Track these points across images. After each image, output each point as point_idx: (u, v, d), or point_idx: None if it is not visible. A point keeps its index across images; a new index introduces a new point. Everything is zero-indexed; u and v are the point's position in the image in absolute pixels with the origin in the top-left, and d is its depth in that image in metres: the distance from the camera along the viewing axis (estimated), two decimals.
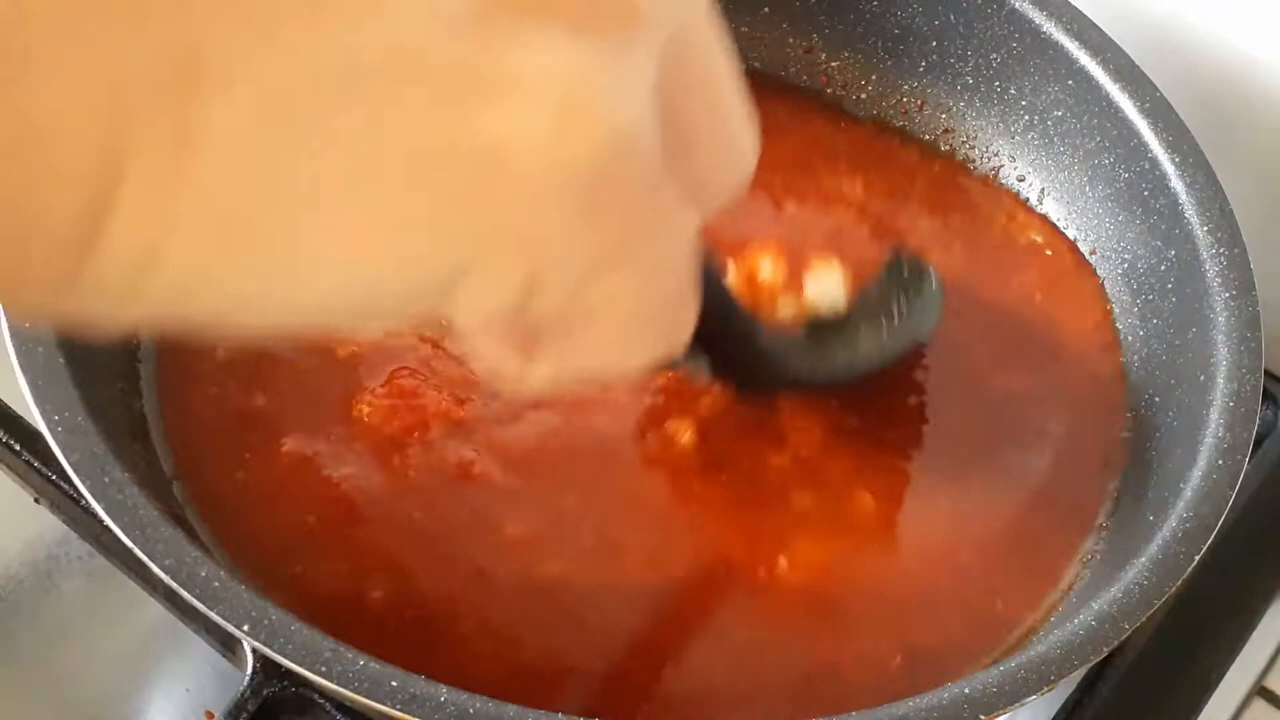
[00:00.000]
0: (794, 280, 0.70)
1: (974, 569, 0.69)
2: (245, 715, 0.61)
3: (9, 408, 0.69)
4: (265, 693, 0.62)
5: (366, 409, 0.68)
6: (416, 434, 0.67)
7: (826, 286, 0.69)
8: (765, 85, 0.86)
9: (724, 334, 0.60)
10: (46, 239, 0.30)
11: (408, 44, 0.31)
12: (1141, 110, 0.77)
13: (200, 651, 0.69)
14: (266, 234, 0.32)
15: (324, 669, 0.51)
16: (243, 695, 0.62)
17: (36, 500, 0.71)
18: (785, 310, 0.69)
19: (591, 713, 0.54)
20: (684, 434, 0.70)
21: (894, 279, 0.69)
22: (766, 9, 0.88)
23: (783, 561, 0.67)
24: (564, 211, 0.35)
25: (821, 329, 0.68)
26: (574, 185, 0.34)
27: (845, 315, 0.69)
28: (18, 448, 0.69)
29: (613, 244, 0.37)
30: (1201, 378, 0.69)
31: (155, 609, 0.68)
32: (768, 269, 0.71)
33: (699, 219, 0.40)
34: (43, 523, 0.71)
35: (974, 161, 0.85)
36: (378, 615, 0.62)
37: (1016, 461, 0.73)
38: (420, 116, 0.32)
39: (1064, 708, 0.70)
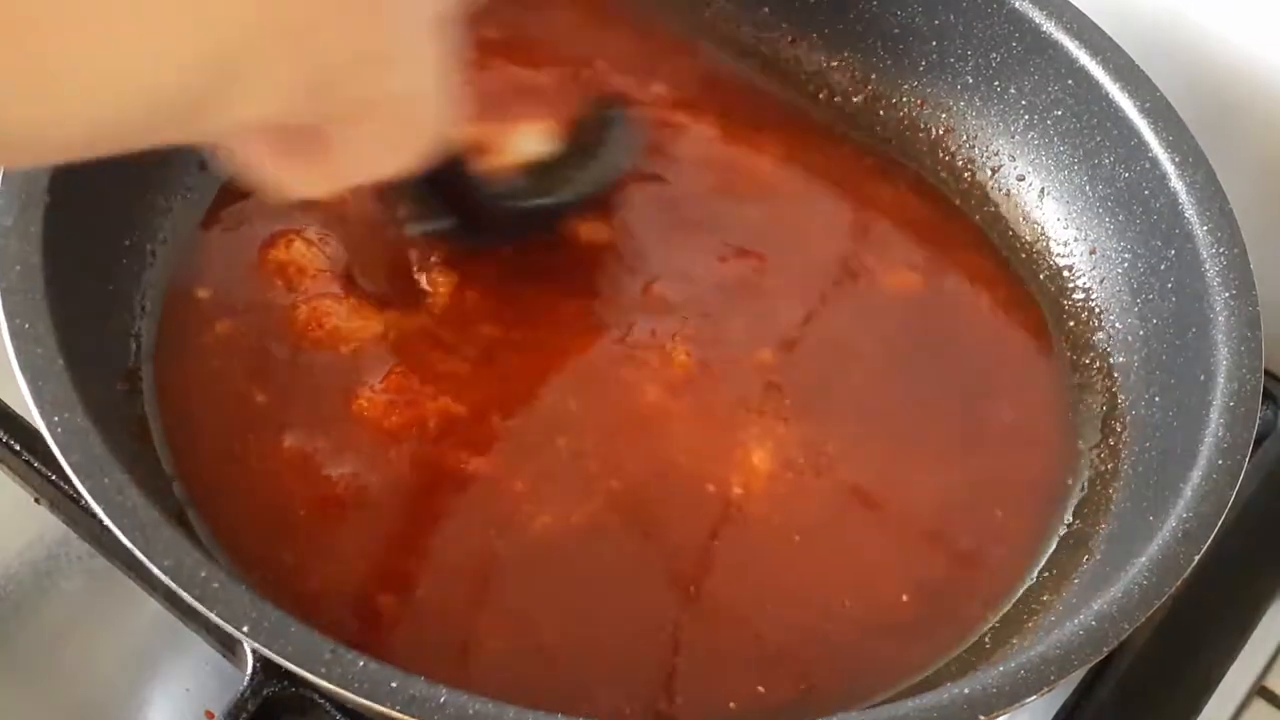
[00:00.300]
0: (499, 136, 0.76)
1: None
2: (245, 715, 0.61)
3: (9, 408, 0.69)
4: (265, 693, 0.62)
5: (365, 404, 0.68)
6: (415, 430, 0.68)
7: (529, 138, 0.77)
8: (764, 84, 0.87)
9: (457, 184, 0.70)
10: None
11: None
12: (1142, 110, 0.77)
13: (200, 651, 0.69)
14: (23, 47, 0.31)
15: (324, 670, 0.51)
16: (243, 695, 0.62)
17: (36, 500, 0.71)
18: (498, 161, 0.75)
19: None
20: (680, 353, 0.73)
21: (594, 121, 0.80)
22: (766, 9, 0.88)
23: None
24: (340, 5, 0.36)
25: (537, 172, 0.76)
26: None
27: (557, 157, 0.77)
28: (18, 448, 0.69)
29: (384, 40, 0.39)
30: (1201, 378, 0.69)
31: (155, 609, 0.68)
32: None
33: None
34: (43, 523, 0.71)
35: (974, 161, 0.85)
36: (377, 612, 0.63)
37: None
38: None
39: (1064, 708, 0.71)
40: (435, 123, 0.46)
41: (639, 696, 0.63)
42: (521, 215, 0.76)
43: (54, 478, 0.68)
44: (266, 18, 0.35)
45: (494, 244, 0.75)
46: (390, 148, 0.46)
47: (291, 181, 0.46)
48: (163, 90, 0.34)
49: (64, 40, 0.32)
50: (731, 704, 0.64)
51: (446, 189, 0.69)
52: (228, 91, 0.35)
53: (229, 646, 0.67)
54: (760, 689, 0.64)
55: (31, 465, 0.69)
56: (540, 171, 0.76)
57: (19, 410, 0.69)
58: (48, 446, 0.56)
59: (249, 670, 0.62)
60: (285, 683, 0.62)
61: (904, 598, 0.68)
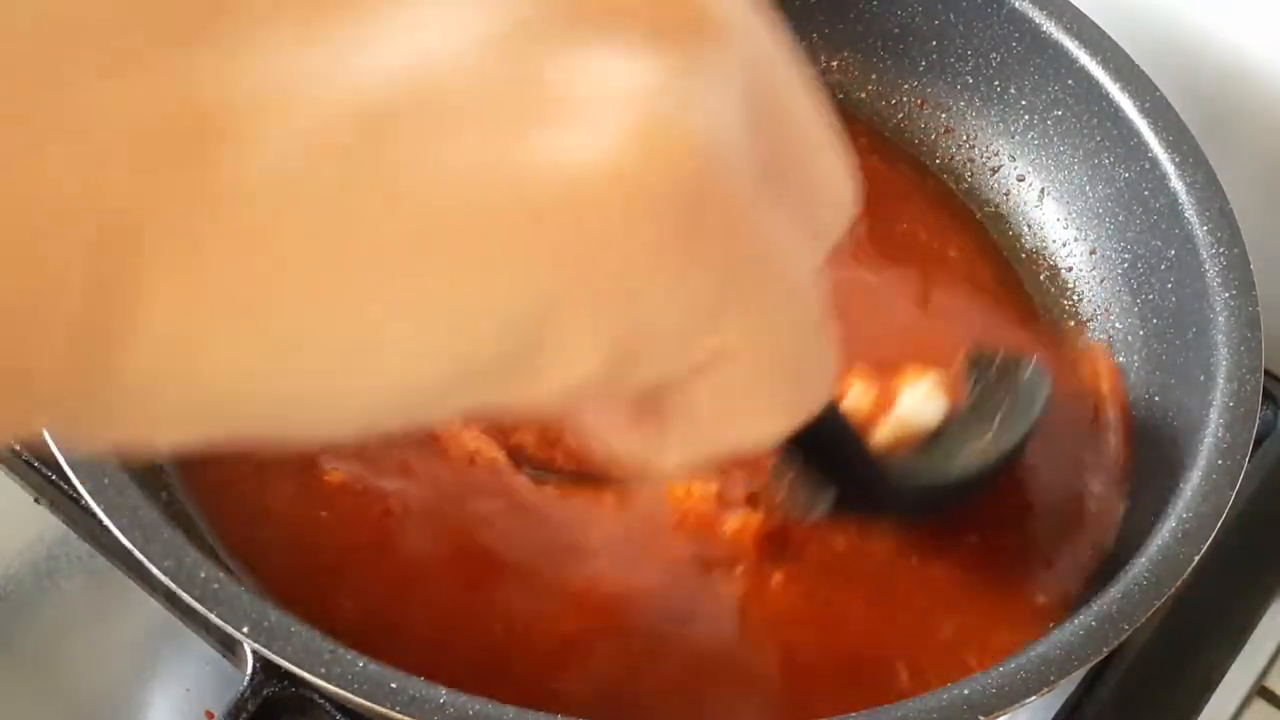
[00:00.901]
0: (885, 401, 0.68)
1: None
2: (245, 715, 0.61)
3: None
4: (265, 693, 0.62)
5: None
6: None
7: (922, 403, 0.67)
8: None
9: (839, 458, 0.60)
10: (50, 343, 0.26)
11: (443, 65, 0.27)
12: (1141, 110, 0.77)
13: (200, 651, 0.69)
14: (309, 317, 0.27)
15: (323, 670, 0.51)
16: (243, 695, 0.62)
17: (36, 500, 0.70)
18: (882, 434, 0.66)
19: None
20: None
21: (986, 380, 0.68)
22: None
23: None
24: (656, 247, 0.29)
25: (923, 447, 0.66)
26: (664, 213, 0.29)
27: (943, 427, 0.67)
28: (18, 448, 0.69)
29: (720, 283, 0.31)
30: (1201, 378, 0.69)
31: (155, 609, 0.68)
32: (859, 394, 0.67)
33: (816, 258, 0.35)
34: (43, 523, 0.71)
35: (974, 161, 0.85)
36: (378, 617, 0.62)
37: None
38: (469, 151, 0.27)
39: (1064, 708, 0.71)
40: (805, 375, 0.36)
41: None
42: (911, 495, 0.66)
43: (54, 478, 0.68)
44: (592, 277, 0.29)
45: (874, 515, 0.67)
46: (747, 411, 0.35)
47: (645, 454, 0.37)
48: (456, 367, 0.29)
49: (361, 321, 0.28)
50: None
51: (823, 458, 0.60)
52: (524, 365, 0.30)
53: (229, 646, 0.67)
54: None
55: (31, 465, 0.69)
56: (929, 442, 0.66)
57: None
58: (48, 446, 0.56)
59: (249, 670, 0.62)
60: (285, 683, 0.62)
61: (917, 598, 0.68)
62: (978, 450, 0.66)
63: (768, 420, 0.36)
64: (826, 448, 0.59)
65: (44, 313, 0.25)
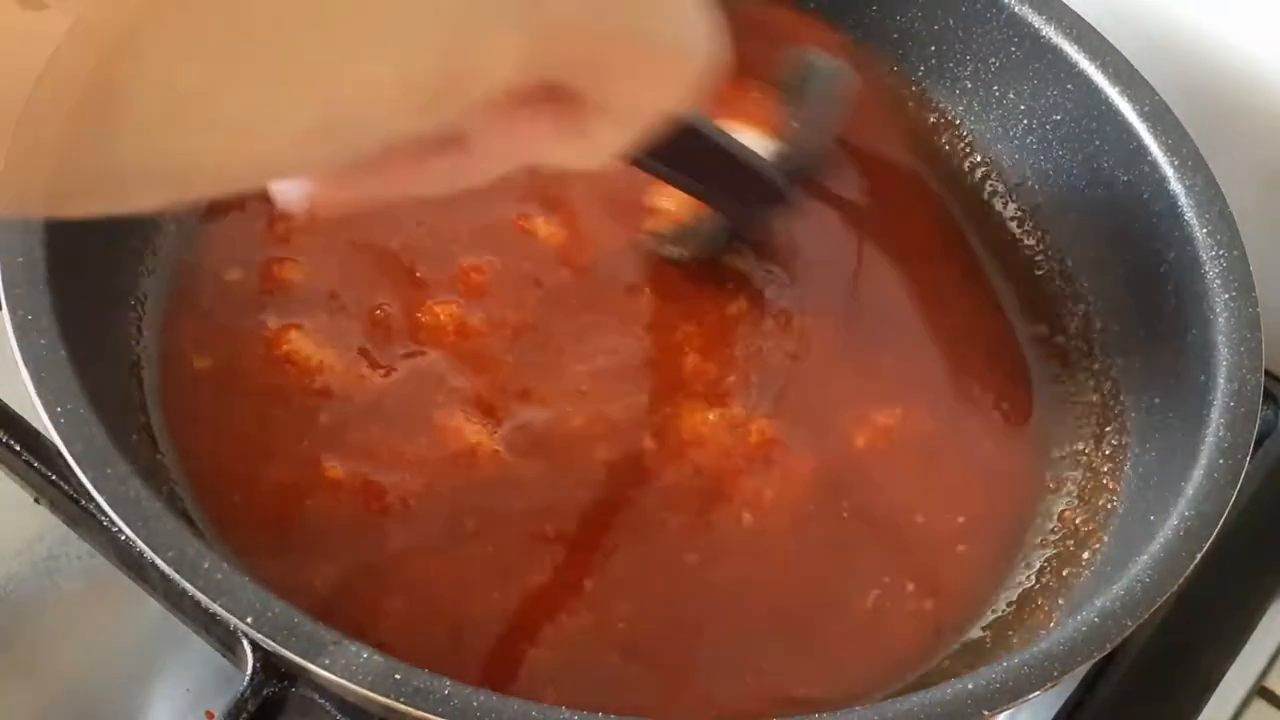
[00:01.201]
0: None
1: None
2: (245, 715, 0.61)
3: (9, 408, 0.69)
4: (265, 693, 0.62)
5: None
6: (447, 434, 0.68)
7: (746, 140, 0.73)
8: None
9: (724, 161, 0.70)
10: (67, 127, 0.32)
11: None
12: (1140, 113, 0.77)
13: (200, 651, 0.69)
14: (292, 41, 0.34)
15: (327, 661, 0.51)
16: (243, 695, 0.62)
17: (36, 500, 0.70)
18: None
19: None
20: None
21: (791, 86, 0.77)
22: None
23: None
24: None
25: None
26: None
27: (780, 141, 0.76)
28: (18, 448, 0.69)
29: None
30: (1201, 378, 0.69)
31: (155, 609, 0.68)
32: None
33: None
34: (43, 523, 0.71)
35: (973, 166, 0.86)
36: (374, 607, 0.63)
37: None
38: None
39: (1065, 706, 0.71)
40: (697, 53, 0.44)
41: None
42: (779, 194, 0.75)
43: (54, 477, 0.68)
44: None
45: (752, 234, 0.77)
46: (654, 86, 0.44)
47: (570, 149, 0.46)
48: (421, 65, 0.36)
49: (337, 42, 0.34)
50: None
51: (710, 166, 0.70)
52: (470, 64, 0.37)
53: (229, 646, 0.67)
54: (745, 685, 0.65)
55: (31, 465, 0.68)
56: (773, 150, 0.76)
57: (19, 410, 0.69)
58: (48, 446, 0.56)
59: (249, 670, 0.62)
60: (285, 683, 0.62)
61: (909, 587, 0.68)
62: (811, 139, 0.77)
63: (672, 94, 0.44)
64: (712, 152, 0.68)
65: (58, 104, 0.31)
